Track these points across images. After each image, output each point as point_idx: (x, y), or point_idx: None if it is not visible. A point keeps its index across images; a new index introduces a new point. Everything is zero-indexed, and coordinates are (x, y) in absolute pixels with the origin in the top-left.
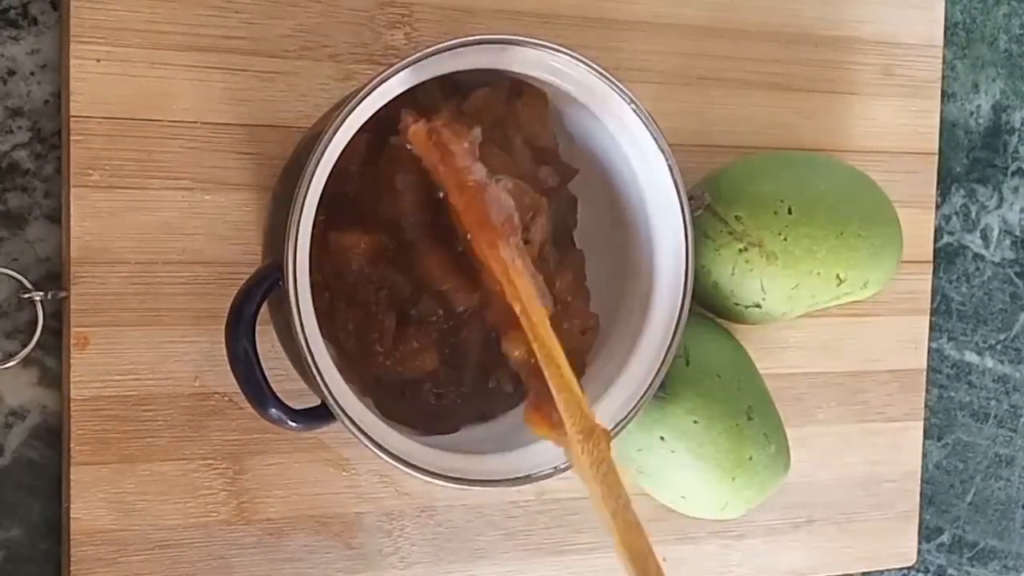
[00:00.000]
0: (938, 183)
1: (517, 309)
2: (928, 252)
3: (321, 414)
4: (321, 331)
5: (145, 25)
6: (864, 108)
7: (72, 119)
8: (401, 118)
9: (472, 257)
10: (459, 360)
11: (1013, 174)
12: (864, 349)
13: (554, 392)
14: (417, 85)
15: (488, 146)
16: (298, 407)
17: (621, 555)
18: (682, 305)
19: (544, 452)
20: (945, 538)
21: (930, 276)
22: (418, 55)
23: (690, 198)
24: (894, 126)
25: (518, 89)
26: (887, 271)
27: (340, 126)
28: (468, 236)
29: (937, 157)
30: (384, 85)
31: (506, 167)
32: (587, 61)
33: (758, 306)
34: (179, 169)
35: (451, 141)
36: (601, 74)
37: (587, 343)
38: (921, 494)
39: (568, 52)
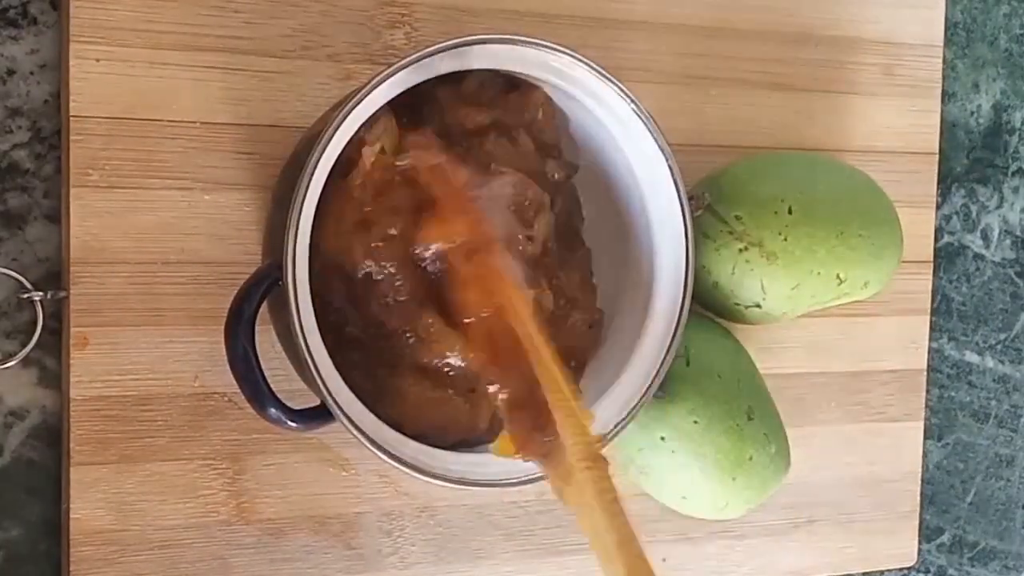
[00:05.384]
0: (938, 183)
1: (519, 332)
2: (928, 252)
3: (321, 414)
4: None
5: (145, 25)
6: (864, 108)
7: (72, 119)
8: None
9: (460, 287)
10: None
11: (1013, 174)
12: (864, 349)
13: (557, 418)
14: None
15: (494, 138)
16: (298, 407)
17: None
18: (682, 305)
19: None
20: (945, 538)
21: (930, 276)
22: (418, 55)
23: (690, 198)
24: (894, 126)
25: (515, 83)
26: (887, 271)
27: (340, 126)
28: (456, 256)
29: (937, 157)
30: (384, 85)
31: (512, 160)
32: (587, 61)
33: (758, 306)
34: (179, 169)
35: (422, 160)
36: (601, 74)
37: (592, 338)
38: (921, 494)
39: (568, 52)
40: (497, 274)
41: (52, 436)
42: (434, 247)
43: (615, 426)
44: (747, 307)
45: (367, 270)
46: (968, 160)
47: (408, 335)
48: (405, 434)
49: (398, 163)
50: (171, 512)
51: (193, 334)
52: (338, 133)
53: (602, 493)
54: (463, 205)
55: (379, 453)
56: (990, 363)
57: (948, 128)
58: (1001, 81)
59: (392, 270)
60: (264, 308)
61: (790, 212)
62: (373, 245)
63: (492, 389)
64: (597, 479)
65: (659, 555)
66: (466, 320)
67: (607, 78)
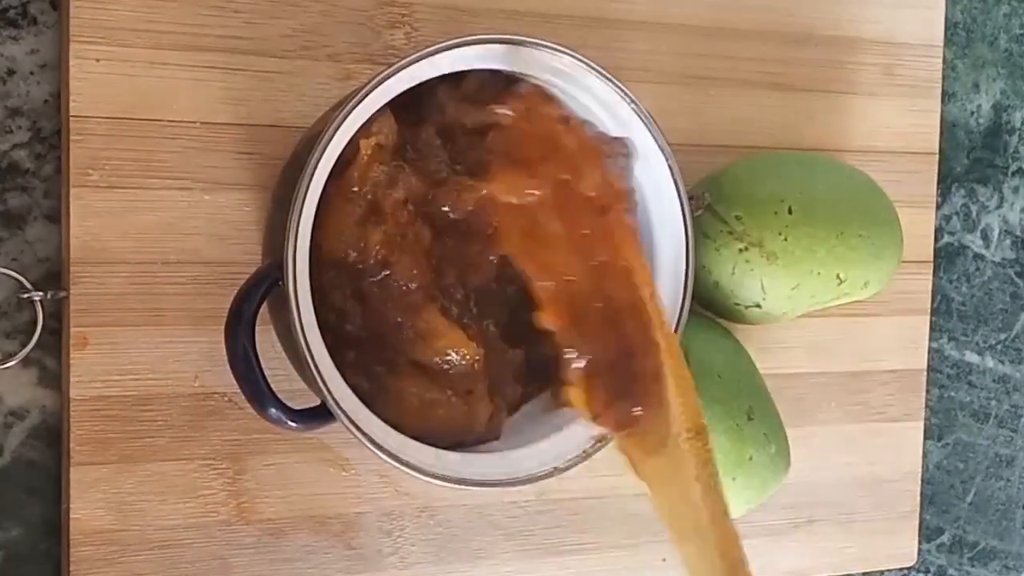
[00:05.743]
0: (938, 183)
1: (646, 294)
2: (928, 252)
3: (321, 414)
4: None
5: (145, 25)
6: (864, 108)
7: (72, 119)
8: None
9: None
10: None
11: (1013, 174)
12: (864, 349)
13: (673, 386)
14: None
15: (495, 137)
16: (298, 407)
17: (713, 564)
18: (682, 305)
19: (544, 452)
20: (945, 538)
21: (930, 276)
22: (418, 55)
23: (690, 198)
24: (894, 126)
25: (515, 80)
26: (887, 271)
27: (340, 126)
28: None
29: (937, 157)
30: (384, 85)
31: None
32: (587, 61)
33: (758, 306)
34: (179, 169)
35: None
36: (601, 74)
37: None
38: (921, 494)
39: (568, 52)
40: (626, 233)
41: (52, 436)
42: (519, 199)
43: None
44: (747, 307)
45: (380, 260)
46: (968, 160)
47: (409, 330)
48: (404, 434)
49: (501, 111)
50: (171, 512)
51: (193, 334)
52: (338, 133)
53: (705, 465)
54: (597, 160)
55: (379, 453)
56: (990, 363)
57: (948, 128)
58: (1001, 81)
59: (406, 259)
60: (264, 308)
61: (790, 212)
62: (388, 234)
63: (570, 356)
64: (701, 450)
65: (659, 555)
66: (548, 282)
67: (607, 78)
